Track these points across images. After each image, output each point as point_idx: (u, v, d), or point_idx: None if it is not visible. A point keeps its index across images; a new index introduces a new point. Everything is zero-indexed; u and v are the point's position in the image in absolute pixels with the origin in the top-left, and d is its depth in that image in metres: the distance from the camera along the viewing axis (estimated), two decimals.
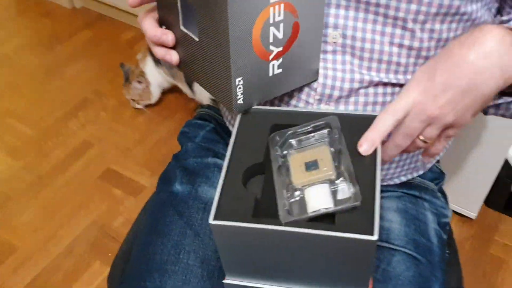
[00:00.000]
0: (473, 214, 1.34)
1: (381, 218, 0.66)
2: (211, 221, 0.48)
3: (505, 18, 0.59)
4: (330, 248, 0.47)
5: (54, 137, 1.66)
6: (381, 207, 0.68)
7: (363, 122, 0.54)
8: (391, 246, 0.63)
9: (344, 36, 0.57)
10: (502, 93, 0.54)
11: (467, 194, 1.31)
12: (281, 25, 0.52)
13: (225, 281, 0.55)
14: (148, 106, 1.74)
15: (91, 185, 1.52)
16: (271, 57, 0.54)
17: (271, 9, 0.50)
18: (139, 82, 1.65)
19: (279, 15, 0.51)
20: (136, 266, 0.64)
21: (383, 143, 0.53)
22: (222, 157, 0.72)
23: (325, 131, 0.54)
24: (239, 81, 0.53)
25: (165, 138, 1.65)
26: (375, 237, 0.45)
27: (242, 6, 0.48)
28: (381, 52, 0.57)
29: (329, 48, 0.58)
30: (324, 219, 0.48)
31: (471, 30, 0.51)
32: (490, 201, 1.36)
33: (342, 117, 0.55)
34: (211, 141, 0.74)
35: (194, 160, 0.72)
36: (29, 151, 1.62)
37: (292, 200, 0.49)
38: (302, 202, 0.49)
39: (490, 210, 1.40)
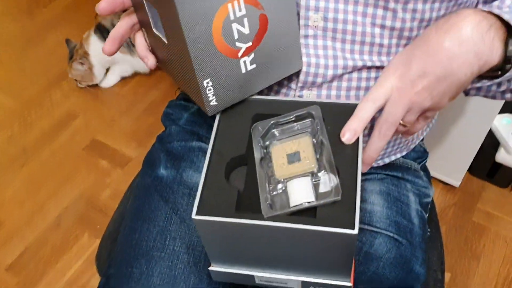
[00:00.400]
0: (456, 182, 1.36)
1: (364, 201, 0.66)
2: (194, 216, 0.48)
3: None
4: (312, 240, 0.48)
5: (37, 108, 1.64)
6: (364, 189, 0.68)
7: (345, 111, 0.54)
8: (373, 228, 0.64)
9: (325, 19, 0.56)
10: (481, 76, 0.54)
11: (451, 162, 1.32)
12: (245, 19, 0.50)
13: (211, 268, 0.56)
14: (133, 76, 1.71)
15: (77, 157, 1.51)
16: (240, 54, 0.52)
17: (229, 5, 0.48)
18: (81, 63, 1.58)
19: (240, 10, 0.49)
20: (123, 251, 0.64)
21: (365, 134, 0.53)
22: (206, 140, 0.72)
23: (308, 120, 0.53)
24: (207, 82, 0.51)
25: (150, 108, 1.63)
26: (355, 231, 0.45)
27: (194, 8, 0.46)
28: (364, 34, 0.57)
29: (310, 32, 0.57)
30: (306, 212, 0.48)
31: (449, 15, 0.50)
32: (474, 169, 1.38)
33: (324, 106, 0.54)
34: (195, 124, 0.73)
35: (178, 144, 0.71)
36: (12, 123, 1.59)
37: (275, 193, 0.50)
38: (284, 195, 0.49)
39: (473, 178, 1.42)
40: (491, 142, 1.29)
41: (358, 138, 0.52)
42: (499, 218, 1.35)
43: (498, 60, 0.49)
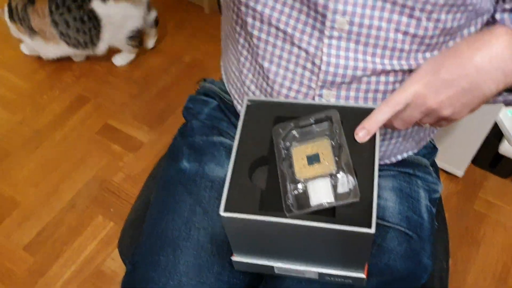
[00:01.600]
0: (460, 172, 1.40)
1: (378, 196, 0.70)
2: (222, 213, 0.52)
3: (507, 6, 0.60)
4: (331, 238, 0.52)
5: (49, 90, 1.66)
6: (378, 186, 0.72)
7: (362, 114, 0.57)
8: (386, 223, 0.67)
9: (351, 23, 0.57)
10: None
11: (456, 153, 1.36)
12: None
13: (233, 258, 0.60)
14: (143, 60, 1.73)
15: (89, 141, 1.54)
16: None
17: None
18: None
19: None
20: (149, 241, 0.68)
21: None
22: (227, 135, 0.75)
23: (326, 123, 0.57)
24: None
25: (161, 93, 1.66)
26: (372, 230, 0.49)
27: None
28: (386, 39, 0.58)
29: (335, 34, 0.59)
30: (325, 211, 0.52)
31: (481, 32, 0.53)
32: (477, 159, 1.42)
33: (343, 109, 0.57)
34: (216, 119, 0.76)
35: (200, 138, 0.74)
36: (25, 105, 1.62)
37: (296, 192, 0.53)
38: (305, 195, 0.53)
39: (476, 168, 1.46)
40: (495, 134, 1.32)
41: (375, 141, 0.55)
42: (500, 206, 1.39)
43: None
